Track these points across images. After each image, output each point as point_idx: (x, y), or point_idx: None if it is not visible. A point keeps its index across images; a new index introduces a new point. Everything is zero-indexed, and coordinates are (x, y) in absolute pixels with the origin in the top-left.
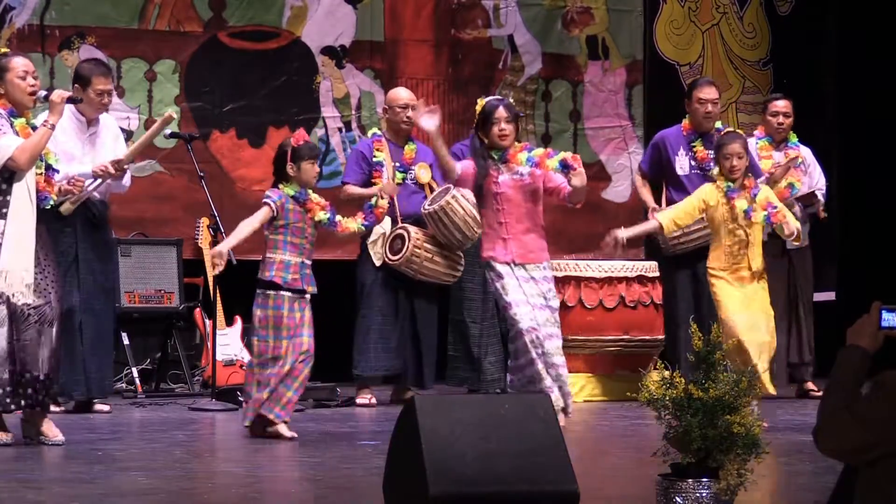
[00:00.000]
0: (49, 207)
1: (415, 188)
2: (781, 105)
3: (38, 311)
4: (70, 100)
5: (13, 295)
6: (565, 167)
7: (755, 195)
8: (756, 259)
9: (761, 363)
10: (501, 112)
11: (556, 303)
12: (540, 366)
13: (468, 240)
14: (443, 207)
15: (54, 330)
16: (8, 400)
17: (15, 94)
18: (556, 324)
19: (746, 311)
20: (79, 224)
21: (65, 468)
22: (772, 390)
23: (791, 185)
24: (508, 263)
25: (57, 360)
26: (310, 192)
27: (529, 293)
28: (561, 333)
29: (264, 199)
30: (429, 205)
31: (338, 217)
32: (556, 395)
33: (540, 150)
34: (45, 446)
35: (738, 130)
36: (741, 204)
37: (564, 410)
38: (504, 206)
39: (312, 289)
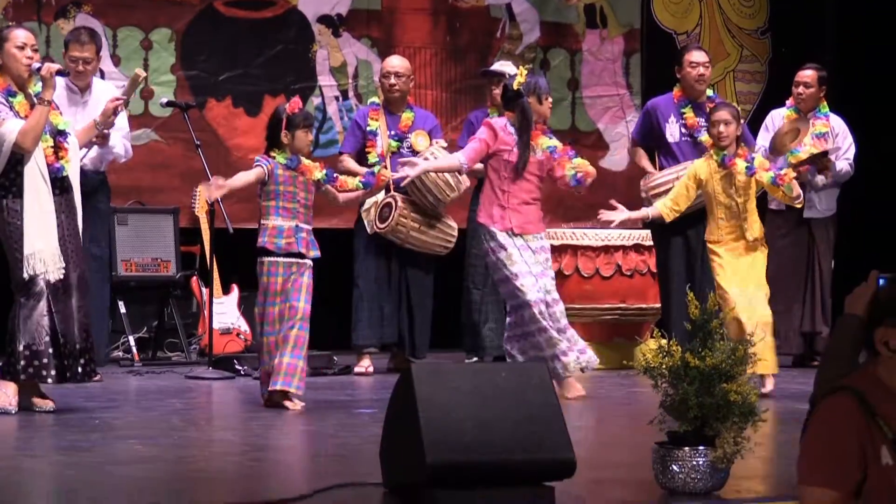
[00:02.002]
0: (65, 175)
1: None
2: (804, 75)
3: (63, 283)
4: (58, 72)
5: (47, 272)
6: (578, 183)
7: (751, 159)
8: (753, 228)
9: (766, 342)
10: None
11: (552, 272)
12: (552, 332)
13: (440, 203)
14: None
15: (73, 300)
16: (44, 372)
17: (12, 64)
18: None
19: (741, 287)
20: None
21: (62, 436)
22: (775, 369)
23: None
24: (506, 231)
25: (87, 330)
26: (302, 158)
27: (530, 262)
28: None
29: (255, 164)
30: None
31: (336, 174)
32: (572, 358)
33: (560, 145)
34: (42, 414)
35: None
36: (740, 163)
37: (583, 370)
38: (511, 175)
39: (313, 253)
